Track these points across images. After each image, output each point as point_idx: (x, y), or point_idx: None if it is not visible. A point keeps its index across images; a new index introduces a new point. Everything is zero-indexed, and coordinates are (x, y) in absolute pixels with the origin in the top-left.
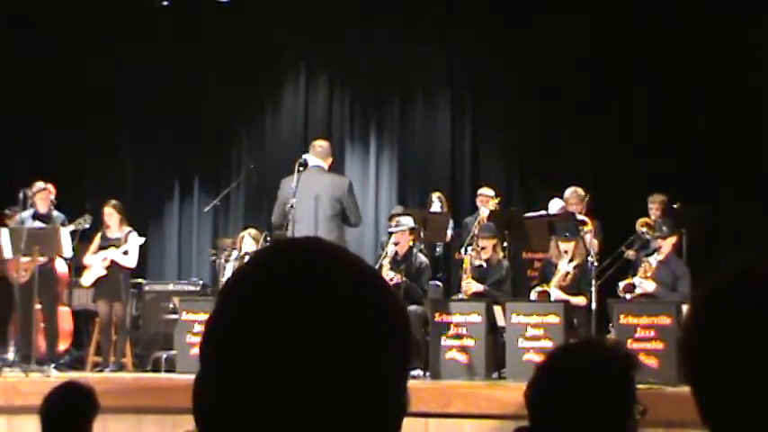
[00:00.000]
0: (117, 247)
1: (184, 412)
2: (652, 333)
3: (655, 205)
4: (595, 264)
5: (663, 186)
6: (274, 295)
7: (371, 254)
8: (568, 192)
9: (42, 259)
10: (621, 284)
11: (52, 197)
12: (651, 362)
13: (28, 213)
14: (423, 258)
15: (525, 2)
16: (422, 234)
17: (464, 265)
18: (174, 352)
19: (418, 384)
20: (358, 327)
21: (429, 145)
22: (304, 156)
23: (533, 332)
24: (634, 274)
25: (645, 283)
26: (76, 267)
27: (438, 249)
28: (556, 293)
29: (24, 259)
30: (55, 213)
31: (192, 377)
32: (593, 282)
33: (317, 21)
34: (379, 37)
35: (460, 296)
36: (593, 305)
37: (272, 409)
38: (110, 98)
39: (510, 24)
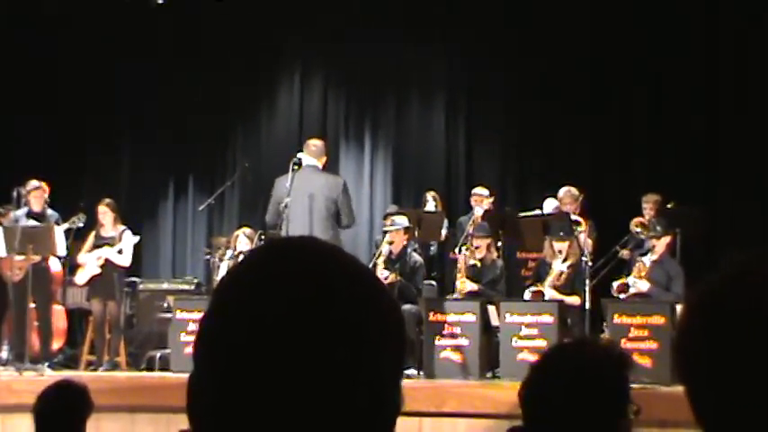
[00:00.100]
0: (111, 245)
1: (178, 411)
2: (646, 333)
3: (649, 205)
4: (589, 263)
5: (662, 186)
6: (269, 294)
7: (366, 253)
8: (562, 191)
9: (36, 258)
10: (615, 284)
11: (46, 196)
12: (645, 361)
13: (22, 212)
14: (417, 258)
15: (525, 2)
16: (416, 233)
17: (458, 265)
18: (168, 351)
19: (412, 384)
20: (354, 325)
21: (424, 145)
22: (298, 155)
23: (527, 332)
24: (628, 274)
25: (639, 283)
26: (70, 266)
27: (432, 249)
28: (550, 293)
29: (18, 258)
30: (49, 212)
31: (186, 376)
32: (588, 281)
33: (317, 21)
34: (378, 37)
35: (455, 296)
36: (587, 305)
37: (266, 408)
38: (109, 98)
39: (510, 24)
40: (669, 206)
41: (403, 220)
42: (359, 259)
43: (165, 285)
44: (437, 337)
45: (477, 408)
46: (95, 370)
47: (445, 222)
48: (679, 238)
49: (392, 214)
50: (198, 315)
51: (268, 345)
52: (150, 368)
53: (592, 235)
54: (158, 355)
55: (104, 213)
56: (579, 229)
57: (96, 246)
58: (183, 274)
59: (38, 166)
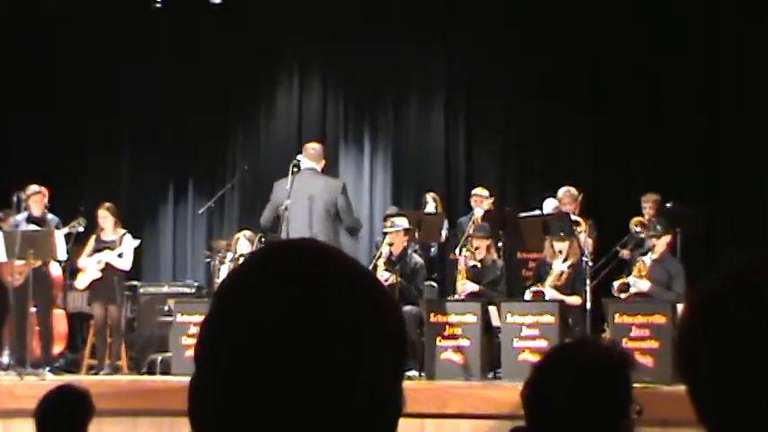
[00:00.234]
0: (112, 249)
1: (180, 415)
2: (647, 332)
3: (648, 204)
4: (590, 263)
5: (662, 186)
6: (270, 295)
7: (366, 254)
8: (561, 191)
9: (37, 262)
10: (616, 284)
11: (46, 200)
12: (646, 361)
13: (22, 216)
14: (417, 259)
15: (525, 2)
16: (416, 235)
17: (459, 266)
18: (169, 354)
19: (414, 385)
20: (354, 326)
21: (423, 146)
22: (297, 158)
23: (528, 332)
24: (629, 274)
25: (639, 283)
26: (71, 270)
27: (433, 250)
28: (551, 293)
29: (19, 262)
30: (49, 216)
31: (187, 379)
32: (588, 281)
33: (316, 21)
34: (378, 37)
35: (456, 296)
36: (588, 305)
37: (268, 409)
38: (110, 98)
39: (510, 24)
40: (668, 205)
41: (403, 222)
42: (359, 261)
43: (166, 289)
44: (438, 339)
45: (480, 409)
46: (97, 374)
47: (445, 223)
48: (679, 238)
49: (392, 215)
50: (199, 318)
51: (269, 346)
52: (151, 372)
53: (592, 235)
54: (159, 358)
55: (105, 217)
56: (579, 229)
57: (97, 250)
58: (183, 278)
59: (38, 166)
